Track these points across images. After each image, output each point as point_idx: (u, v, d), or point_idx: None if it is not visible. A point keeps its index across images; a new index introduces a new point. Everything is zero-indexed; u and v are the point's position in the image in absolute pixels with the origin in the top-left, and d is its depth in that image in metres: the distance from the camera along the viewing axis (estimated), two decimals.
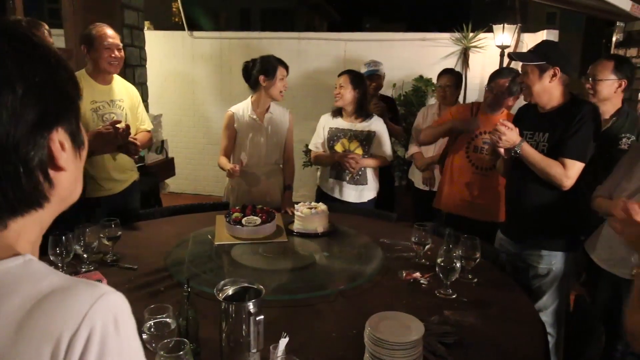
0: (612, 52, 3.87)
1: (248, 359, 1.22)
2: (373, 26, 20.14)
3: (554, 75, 2.08)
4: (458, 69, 4.82)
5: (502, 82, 2.71)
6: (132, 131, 2.40)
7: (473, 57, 5.17)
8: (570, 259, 2.17)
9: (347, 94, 2.89)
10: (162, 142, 4.68)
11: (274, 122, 2.78)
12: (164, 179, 4.77)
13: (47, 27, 2.02)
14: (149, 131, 2.77)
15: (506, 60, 4.78)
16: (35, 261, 0.58)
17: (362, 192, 2.99)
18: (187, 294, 1.27)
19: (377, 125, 2.96)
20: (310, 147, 3.18)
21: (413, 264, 1.95)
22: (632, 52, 3.70)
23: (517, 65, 2.86)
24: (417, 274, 1.83)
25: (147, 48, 4.40)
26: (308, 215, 2.30)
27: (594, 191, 2.10)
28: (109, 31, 2.46)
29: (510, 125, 2.10)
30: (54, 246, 1.64)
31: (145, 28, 4.53)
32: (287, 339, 1.22)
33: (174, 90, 5.94)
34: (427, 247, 1.95)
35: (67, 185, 0.62)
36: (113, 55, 2.44)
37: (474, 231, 1.86)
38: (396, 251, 2.09)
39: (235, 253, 2.05)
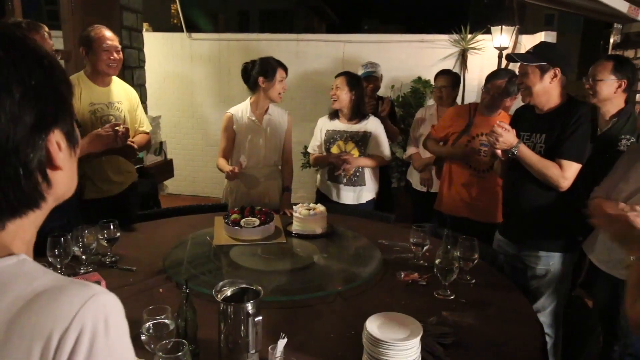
0: (609, 53, 3.89)
1: (246, 359, 1.22)
2: (371, 28, 20.19)
3: (555, 76, 2.09)
4: (456, 70, 4.83)
5: (499, 83, 2.72)
6: (131, 133, 2.40)
7: (471, 58, 5.19)
8: (568, 260, 2.18)
9: (344, 96, 2.90)
10: (161, 143, 4.68)
11: (273, 123, 2.79)
12: (162, 180, 4.77)
13: (46, 29, 2.02)
14: (147, 133, 2.77)
15: (504, 61, 4.79)
16: (29, 261, 0.59)
17: (360, 193, 3.00)
18: (186, 295, 1.27)
19: (372, 125, 2.97)
20: (309, 149, 3.19)
21: (411, 265, 1.95)
22: (629, 53, 3.71)
23: (514, 67, 2.86)
24: (416, 275, 1.83)
25: (145, 50, 4.41)
26: (307, 216, 2.30)
27: (592, 192, 2.10)
28: (108, 33, 2.46)
29: (507, 126, 2.11)
30: (53, 247, 1.64)
31: (144, 30, 4.54)
32: (285, 340, 1.22)
33: (172, 92, 5.95)
34: (425, 248, 1.95)
35: (63, 183, 0.63)
36: (112, 57, 2.44)
37: (475, 233, 1.86)
38: (394, 252, 2.09)
39: (234, 254, 2.06)
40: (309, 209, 2.34)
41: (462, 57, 5.21)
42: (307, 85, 5.51)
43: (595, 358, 1.58)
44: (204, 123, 5.98)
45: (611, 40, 3.93)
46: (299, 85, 5.35)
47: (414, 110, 4.52)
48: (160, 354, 1.04)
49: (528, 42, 5.01)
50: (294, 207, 2.42)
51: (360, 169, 2.96)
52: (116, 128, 2.20)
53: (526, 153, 2.09)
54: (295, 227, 2.34)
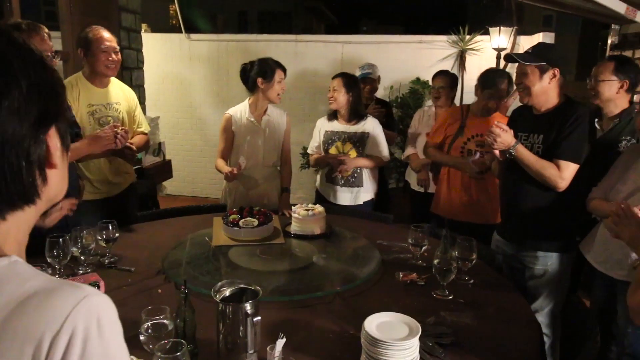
0: (607, 54, 3.90)
1: (245, 359, 1.23)
2: (370, 29, 20.17)
3: (554, 76, 2.10)
4: (455, 71, 4.84)
5: (504, 87, 2.74)
6: (129, 134, 2.40)
7: (470, 59, 5.20)
8: (566, 260, 2.18)
9: (341, 97, 2.91)
10: (160, 144, 4.68)
11: (272, 124, 2.79)
12: (161, 181, 4.77)
13: (46, 30, 2.02)
14: (146, 133, 2.77)
15: (502, 62, 4.81)
16: (20, 262, 0.59)
17: (358, 194, 2.99)
18: (185, 296, 1.28)
19: (370, 125, 2.97)
20: (308, 150, 3.19)
21: (410, 265, 1.95)
22: (627, 54, 3.72)
23: (512, 68, 2.88)
24: (414, 275, 1.83)
25: (144, 50, 4.41)
26: (305, 217, 2.31)
27: (590, 193, 2.11)
28: (106, 34, 2.46)
29: (505, 127, 2.12)
30: (51, 248, 1.64)
31: (143, 30, 4.54)
32: (284, 340, 1.22)
33: (171, 93, 5.94)
34: (423, 248, 1.96)
35: (56, 183, 0.64)
36: (110, 58, 2.44)
37: (473, 234, 1.86)
38: (393, 252, 2.09)
39: (233, 255, 2.06)
40: (308, 210, 2.34)
41: (461, 58, 5.21)
42: (306, 86, 5.52)
43: (592, 358, 1.59)
44: (203, 124, 5.98)
45: (609, 41, 3.95)
46: (297, 86, 5.36)
47: (413, 111, 4.53)
48: (159, 354, 1.05)
49: (526, 43, 5.02)
50: (292, 207, 2.43)
51: (358, 170, 2.96)
52: (115, 130, 2.20)
53: (524, 153, 2.10)
54: (294, 227, 2.34)
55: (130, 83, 3.93)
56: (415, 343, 1.23)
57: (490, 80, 2.79)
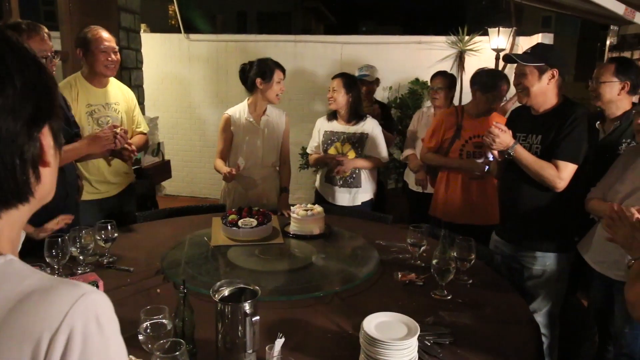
0: (606, 55, 3.91)
1: (244, 359, 1.23)
2: (369, 29, 20.18)
3: (553, 77, 2.10)
4: (454, 71, 4.85)
5: (505, 88, 2.75)
6: (128, 134, 2.40)
7: (469, 60, 5.20)
8: (564, 260, 2.19)
9: (340, 98, 2.91)
10: (159, 144, 4.68)
11: (271, 124, 2.79)
12: (160, 181, 4.77)
13: (46, 30, 2.02)
14: (145, 134, 2.77)
15: (501, 63, 4.81)
16: (16, 261, 0.59)
17: (356, 195, 2.99)
18: (184, 295, 1.28)
19: (370, 126, 2.97)
20: (307, 150, 3.20)
21: (408, 266, 1.95)
22: (626, 55, 3.73)
23: (511, 68, 2.88)
24: (413, 275, 1.84)
25: (143, 51, 4.40)
26: (304, 217, 2.31)
27: (588, 193, 2.11)
28: (105, 34, 2.45)
29: (504, 127, 2.12)
30: (50, 248, 1.64)
31: (142, 31, 4.54)
32: (283, 340, 1.22)
33: (170, 93, 5.94)
34: (422, 248, 1.96)
35: (48, 182, 0.64)
36: (109, 58, 2.44)
37: (471, 236, 1.86)
38: (392, 253, 2.10)
39: (232, 255, 2.06)
40: (307, 210, 2.34)
41: (460, 59, 5.22)
42: (305, 87, 5.52)
43: (590, 358, 1.59)
44: (202, 124, 5.98)
45: (608, 42, 3.96)
46: (296, 87, 5.36)
47: (412, 112, 4.53)
48: (158, 353, 1.05)
49: (525, 43, 5.03)
50: (291, 207, 2.43)
51: (356, 171, 2.96)
52: (115, 130, 2.20)
53: (522, 154, 2.10)
54: (293, 227, 2.34)
55: (129, 83, 3.93)
56: (413, 343, 1.23)
57: (491, 82, 2.79)
